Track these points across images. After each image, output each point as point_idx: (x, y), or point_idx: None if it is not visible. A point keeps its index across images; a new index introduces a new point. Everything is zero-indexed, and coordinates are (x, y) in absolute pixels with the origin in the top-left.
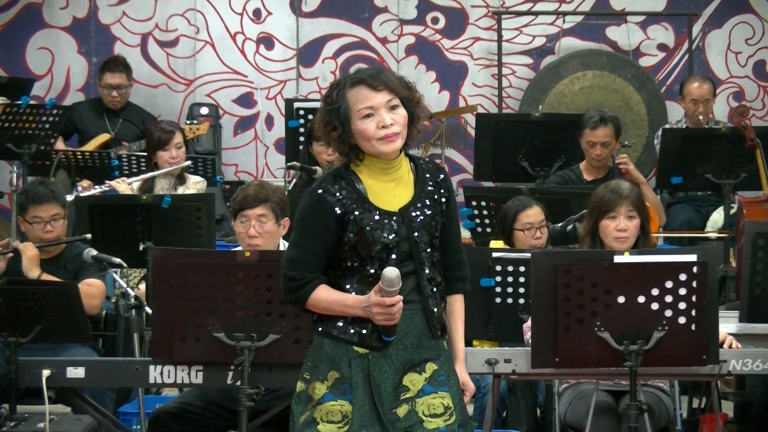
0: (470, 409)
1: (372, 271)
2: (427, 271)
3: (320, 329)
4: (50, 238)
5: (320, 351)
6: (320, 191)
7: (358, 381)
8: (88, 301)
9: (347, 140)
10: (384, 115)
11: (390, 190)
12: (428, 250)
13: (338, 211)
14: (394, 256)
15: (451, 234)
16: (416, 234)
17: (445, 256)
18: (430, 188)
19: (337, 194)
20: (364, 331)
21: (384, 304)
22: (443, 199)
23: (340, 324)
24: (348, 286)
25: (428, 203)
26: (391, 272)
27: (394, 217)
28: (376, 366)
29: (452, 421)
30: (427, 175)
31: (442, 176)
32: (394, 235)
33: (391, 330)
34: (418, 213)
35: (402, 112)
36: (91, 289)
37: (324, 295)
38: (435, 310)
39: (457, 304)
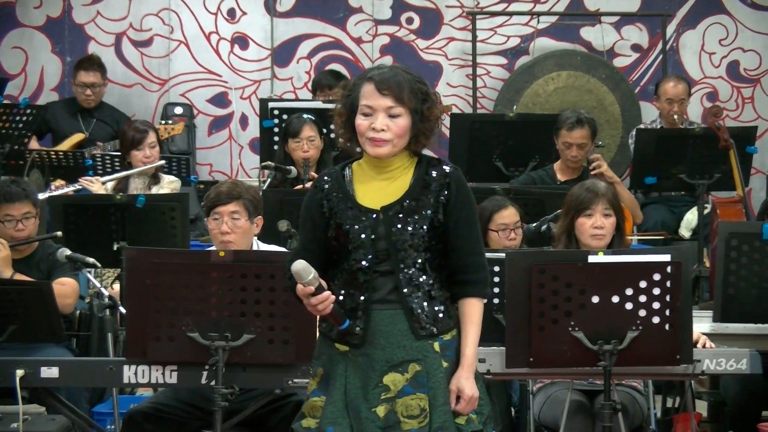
0: None
1: (352, 268)
2: (409, 271)
3: (319, 327)
4: (22, 237)
5: (317, 348)
6: (313, 188)
7: (335, 378)
8: (61, 301)
9: (350, 128)
10: (379, 119)
11: (380, 189)
12: (413, 249)
13: (323, 207)
14: (370, 255)
15: (458, 235)
16: (395, 232)
17: (453, 259)
18: (428, 188)
19: (325, 190)
20: None
21: (301, 294)
22: (442, 199)
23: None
24: (334, 282)
25: (419, 203)
26: (295, 265)
27: (374, 215)
28: (355, 364)
29: (425, 423)
30: (429, 175)
31: (446, 176)
32: (369, 232)
33: (335, 320)
34: (403, 212)
35: (401, 123)
36: (64, 288)
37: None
38: (417, 310)
39: (467, 309)
